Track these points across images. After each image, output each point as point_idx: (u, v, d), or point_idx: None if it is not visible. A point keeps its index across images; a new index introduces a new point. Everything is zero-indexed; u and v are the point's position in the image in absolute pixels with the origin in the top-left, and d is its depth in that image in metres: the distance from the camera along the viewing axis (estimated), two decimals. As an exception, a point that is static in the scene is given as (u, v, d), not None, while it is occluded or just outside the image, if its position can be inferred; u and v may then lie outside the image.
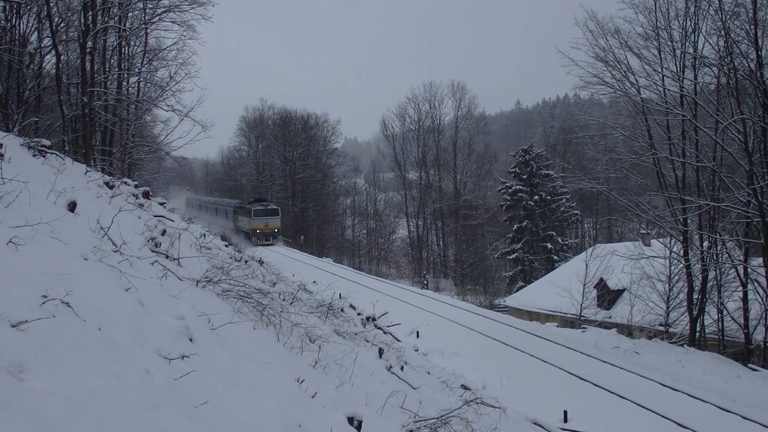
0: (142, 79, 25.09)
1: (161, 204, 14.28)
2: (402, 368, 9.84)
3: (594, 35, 25.37)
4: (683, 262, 25.10)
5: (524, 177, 58.80)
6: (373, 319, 15.30)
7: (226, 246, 15.18)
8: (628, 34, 25.23)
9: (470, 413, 8.19)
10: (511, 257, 57.68)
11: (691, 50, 24.26)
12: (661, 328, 26.24)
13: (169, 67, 23.82)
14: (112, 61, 23.72)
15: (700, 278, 24.38)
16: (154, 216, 9.97)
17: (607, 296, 33.52)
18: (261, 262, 15.88)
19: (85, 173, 10.95)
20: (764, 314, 22.37)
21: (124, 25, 22.42)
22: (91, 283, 4.43)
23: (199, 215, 59.82)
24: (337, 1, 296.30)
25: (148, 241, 7.56)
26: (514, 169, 60.25)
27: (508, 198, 59.20)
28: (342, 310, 13.73)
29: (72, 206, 6.58)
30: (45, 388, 2.79)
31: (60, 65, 19.79)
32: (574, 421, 14.56)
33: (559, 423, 14.09)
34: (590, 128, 31.03)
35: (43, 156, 9.62)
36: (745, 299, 22.94)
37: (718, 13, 22.90)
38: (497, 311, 37.13)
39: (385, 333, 15.09)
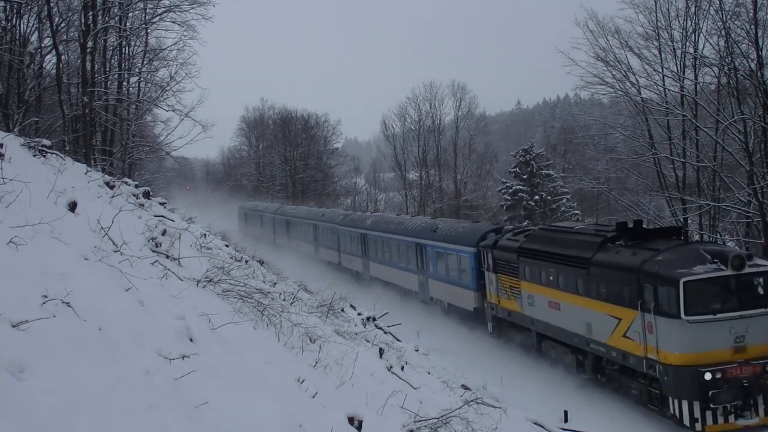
0: (142, 79, 25.06)
1: (162, 204, 14.29)
2: (402, 368, 9.85)
3: (594, 35, 25.48)
4: (684, 262, 25.06)
5: (525, 177, 58.71)
6: (374, 319, 15.30)
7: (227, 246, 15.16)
8: (628, 34, 25.33)
9: (471, 413, 8.20)
10: (511, 257, 57.60)
11: (691, 50, 24.29)
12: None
13: (169, 67, 23.78)
14: (112, 61, 23.69)
15: (701, 278, 24.33)
16: (155, 216, 9.97)
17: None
18: (261, 262, 15.84)
19: (86, 173, 10.95)
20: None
21: (125, 25, 22.41)
22: (91, 283, 4.43)
23: (288, 246, 38.60)
24: (338, 1, 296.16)
25: (149, 241, 7.56)
26: (515, 169, 60.16)
27: (509, 198, 59.14)
28: (342, 310, 13.73)
29: (72, 206, 6.57)
30: (45, 388, 2.78)
31: (60, 65, 19.80)
32: (574, 421, 14.54)
33: (559, 423, 14.07)
34: (591, 128, 31.08)
35: (44, 156, 9.62)
36: (745, 299, 22.90)
37: (718, 13, 22.96)
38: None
39: (385, 333, 15.10)
